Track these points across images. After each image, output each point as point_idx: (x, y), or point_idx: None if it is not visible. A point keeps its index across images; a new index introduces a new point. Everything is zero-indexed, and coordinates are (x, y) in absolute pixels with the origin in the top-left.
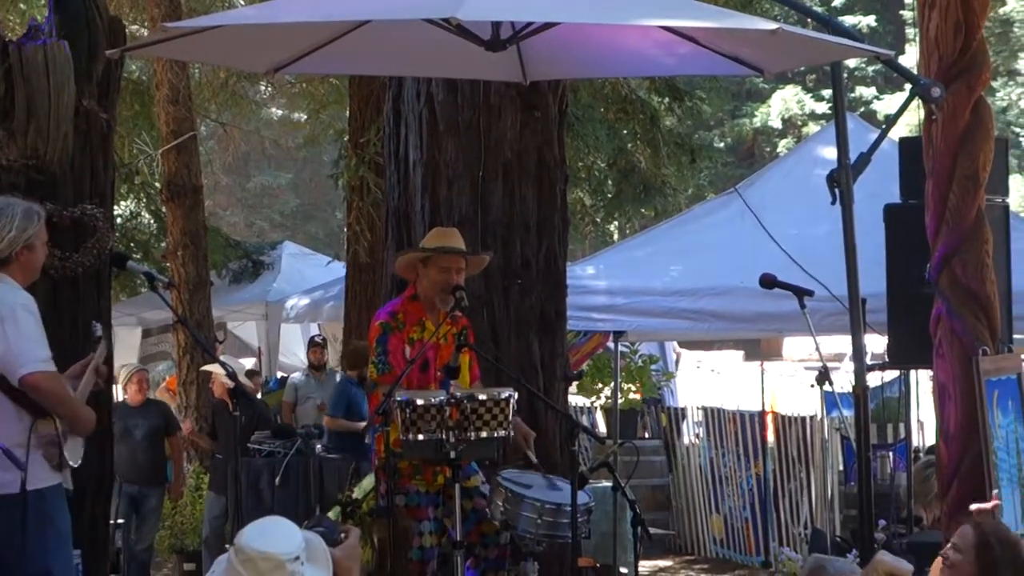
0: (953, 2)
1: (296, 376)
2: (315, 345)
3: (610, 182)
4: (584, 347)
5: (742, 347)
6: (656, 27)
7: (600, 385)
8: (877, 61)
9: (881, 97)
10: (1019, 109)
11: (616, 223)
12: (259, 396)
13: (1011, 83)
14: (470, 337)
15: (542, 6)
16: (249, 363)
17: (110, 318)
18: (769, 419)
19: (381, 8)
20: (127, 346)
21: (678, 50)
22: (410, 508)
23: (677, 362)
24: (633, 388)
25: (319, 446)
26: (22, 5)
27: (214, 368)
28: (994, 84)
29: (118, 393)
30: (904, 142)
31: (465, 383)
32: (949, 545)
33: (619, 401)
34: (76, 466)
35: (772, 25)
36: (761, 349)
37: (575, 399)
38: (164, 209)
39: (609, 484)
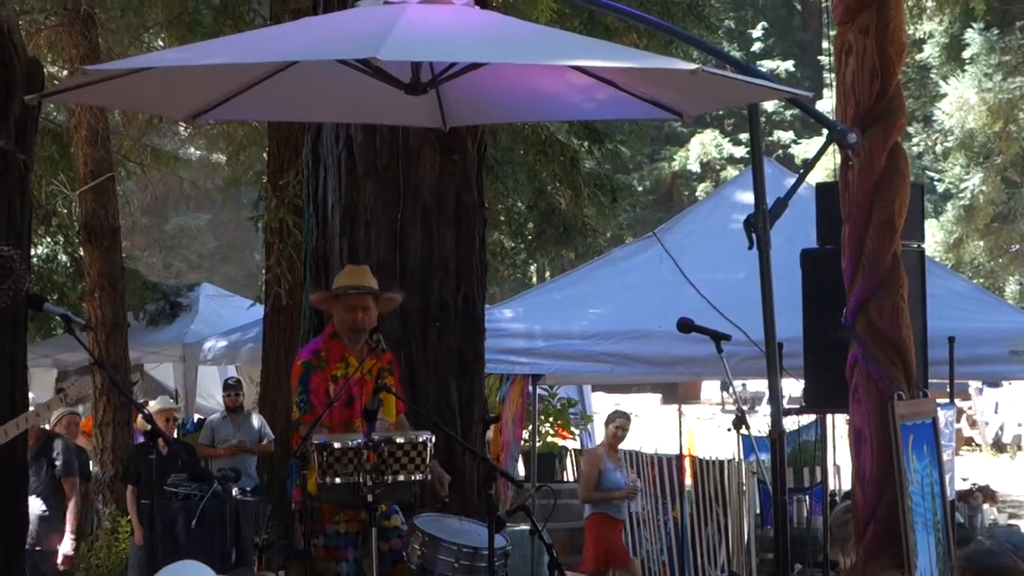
0: (870, 49)
1: (213, 418)
2: (229, 387)
3: (531, 224)
4: (512, 395)
5: (660, 390)
6: (575, 72)
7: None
8: (795, 105)
9: (799, 141)
10: (935, 155)
11: (535, 266)
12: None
13: (927, 129)
14: (395, 369)
15: (462, 48)
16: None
17: (25, 360)
18: (687, 462)
19: (301, 50)
20: (42, 387)
21: (597, 94)
22: (328, 548)
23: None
24: (551, 432)
25: (236, 489)
26: None
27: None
28: (910, 130)
29: None
30: (820, 187)
31: (391, 415)
32: None
33: (537, 444)
34: None
35: (692, 66)
36: (679, 392)
37: None
38: (81, 250)
39: (527, 527)
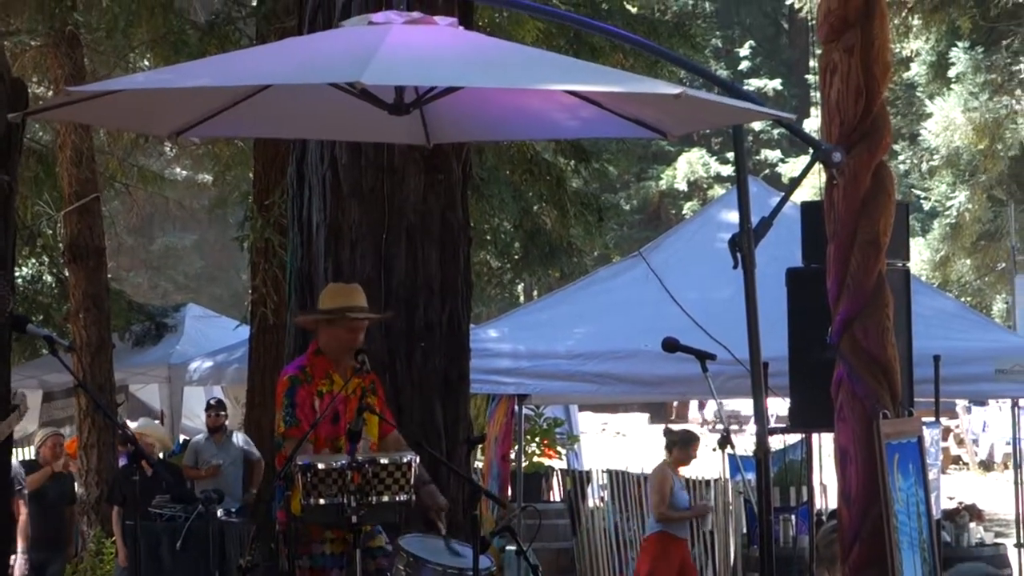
0: (854, 68)
1: (197, 439)
2: (210, 408)
3: (516, 244)
4: (496, 415)
5: (648, 410)
6: (560, 91)
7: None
8: (781, 124)
9: (786, 160)
10: (920, 173)
11: (521, 285)
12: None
13: (913, 147)
14: (379, 390)
15: (446, 71)
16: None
17: (9, 380)
18: None
19: (285, 73)
20: (27, 408)
21: (582, 113)
22: (315, 570)
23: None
24: (538, 452)
25: (220, 510)
26: None
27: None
28: (896, 148)
29: (24, 454)
30: (806, 206)
31: (373, 435)
32: None
33: (523, 464)
34: None
35: (676, 89)
36: (667, 412)
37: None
38: (66, 271)
39: (513, 548)
